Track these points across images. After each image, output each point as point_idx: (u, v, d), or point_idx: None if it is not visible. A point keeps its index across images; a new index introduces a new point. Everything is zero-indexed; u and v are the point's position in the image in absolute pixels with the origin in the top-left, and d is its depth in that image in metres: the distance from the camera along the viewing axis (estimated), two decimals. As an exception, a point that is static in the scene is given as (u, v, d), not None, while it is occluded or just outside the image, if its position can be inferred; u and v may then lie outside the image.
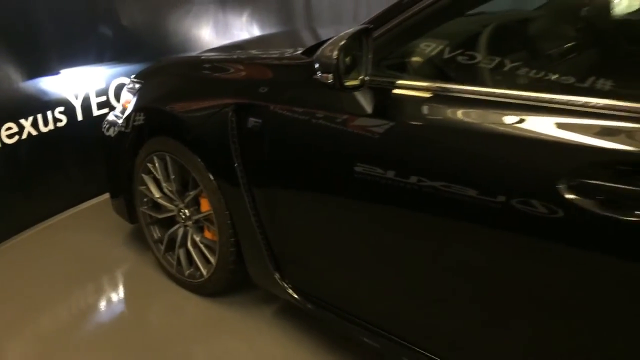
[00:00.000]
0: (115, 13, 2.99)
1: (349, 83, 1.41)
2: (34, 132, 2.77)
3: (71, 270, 2.49)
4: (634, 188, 1.05)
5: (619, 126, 1.11)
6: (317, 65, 1.38)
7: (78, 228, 2.86)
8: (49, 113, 2.82)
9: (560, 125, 1.16)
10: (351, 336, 1.75)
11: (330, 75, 1.35)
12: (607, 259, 1.10)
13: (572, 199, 1.11)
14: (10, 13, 2.53)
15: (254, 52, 2.23)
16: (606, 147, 1.10)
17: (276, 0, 3.83)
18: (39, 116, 2.78)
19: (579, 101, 1.16)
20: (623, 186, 1.07)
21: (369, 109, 1.46)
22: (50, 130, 2.84)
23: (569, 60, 1.47)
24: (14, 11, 2.54)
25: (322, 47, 1.39)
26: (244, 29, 3.67)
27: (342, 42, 1.33)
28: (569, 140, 1.14)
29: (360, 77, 1.42)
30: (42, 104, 2.78)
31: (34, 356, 1.99)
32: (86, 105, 2.98)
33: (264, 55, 2.01)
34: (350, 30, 1.39)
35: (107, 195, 2.69)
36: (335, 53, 1.32)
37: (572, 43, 1.55)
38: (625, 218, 1.05)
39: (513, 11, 1.96)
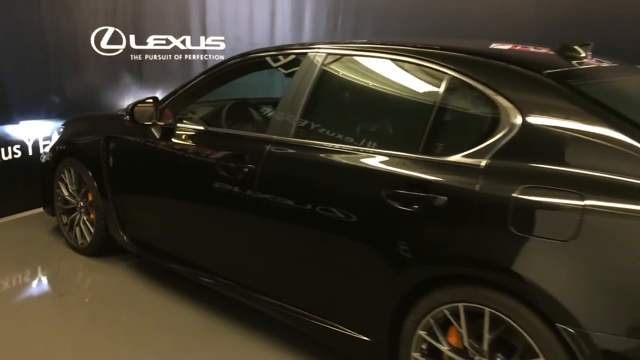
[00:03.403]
0: (62, 86, 4.58)
1: (145, 123, 2.95)
2: (-2, 160, 4.28)
3: (11, 249, 3.90)
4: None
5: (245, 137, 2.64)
6: (124, 113, 2.94)
7: (21, 225, 4.31)
8: (9, 148, 4.34)
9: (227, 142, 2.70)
10: (165, 267, 3.16)
11: (128, 117, 2.90)
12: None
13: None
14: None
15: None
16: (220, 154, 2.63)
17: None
18: (2, 150, 4.29)
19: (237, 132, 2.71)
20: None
21: (158, 136, 3.00)
22: (9, 159, 4.34)
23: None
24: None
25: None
26: (155, 102, 5.29)
27: (135, 103, 2.89)
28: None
29: (152, 120, 2.97)
30: (5, 142, 4.30)
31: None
32: (35, 145, 4.50)
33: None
34: (147, 98, 2.96)
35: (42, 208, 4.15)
36: (130, 106, 2.88)
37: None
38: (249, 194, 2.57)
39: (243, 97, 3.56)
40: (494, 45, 2.40)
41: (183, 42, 5.34)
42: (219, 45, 5.59)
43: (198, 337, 2.75)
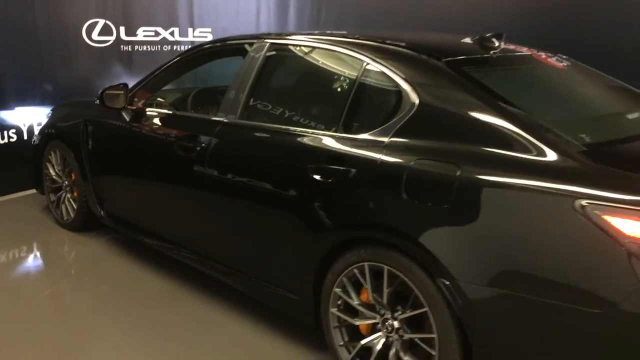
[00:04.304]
0: (55, 75, 4.90)
1: (115, 107, 3.25)
2: (-5, 143, 4.62)
3: (5, 224, 4.24)
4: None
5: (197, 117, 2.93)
6: (96, 98, 3.24)
7: (16, 203, 4.65)
8: (5, 132, 4.68)
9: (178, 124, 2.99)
10: (134, 238, 3.47)
11: (98, 101, 3.20)
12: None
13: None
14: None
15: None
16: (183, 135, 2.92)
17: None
18: (-1, 134, 4.64)
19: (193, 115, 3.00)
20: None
21: (128, 119, 3.29)
22: (5, 143, 4.69)
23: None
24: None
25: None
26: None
27: (105, 88, 3.19)
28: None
29: (122, 105, 3.26)
30: (1, 127, 4.64)
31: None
32: (30, 129, 4.83)
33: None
34: (117, 84, 3.26)
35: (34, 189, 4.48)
36: (100, 92, 3.17)
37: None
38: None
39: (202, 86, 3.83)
40: (466, 40, 2.65)
41: (172, 33, 5.63)
42: (206, 37, 5.87)
43: (161, 303, 3.05)
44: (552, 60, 2.71)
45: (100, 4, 5.13)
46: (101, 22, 5.14)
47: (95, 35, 5.13)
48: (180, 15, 5.66)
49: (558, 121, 2.01)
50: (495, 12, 5.60)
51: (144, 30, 5.44)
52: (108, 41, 5.23)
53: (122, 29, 5.29)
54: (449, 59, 2.22)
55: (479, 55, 2.38)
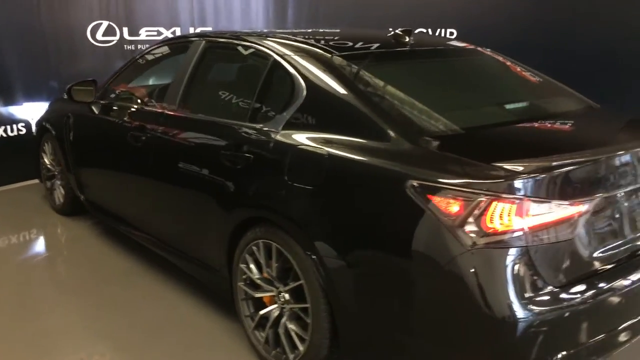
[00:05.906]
0: (61, 73, 5.32)
1: (84, 100, 3.58)
2: (4, 135, 5.07)
3: (8, 209, 4.69)
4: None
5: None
6: (64, 94, 3.57)
7: (22, 191, 5.10)
8: (14, 125, 5.13)
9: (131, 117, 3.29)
10: (106, 222, 3.81)
11: (66, 95, 3.53)
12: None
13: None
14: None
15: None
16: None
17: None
18: (9, 127, 5.09)
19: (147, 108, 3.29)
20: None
21: (97, 111, 3.62)
22: (15, 135, 5.14)
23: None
24: None
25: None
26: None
27: (73, 84, 3.52)
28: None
29: (91, 99, 3.59)
30: (11, 120, 5.10)
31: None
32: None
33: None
34: (87, 80, 3.58)
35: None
36: (68, 87, 3.50)
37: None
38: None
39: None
40: (383, 36, 2.82)
41: (173, 33, 5.96)
42: (207, 35, 6.16)
43: (122, 280, 3.37)
44: (471, 52, 2.85)
45: (104, 6, 5.51)
46: (105, 23, 5.52)
47: (99, 35, 5.52)
48: (181, 16, 5.98)
49: (428, 111, 2.17)
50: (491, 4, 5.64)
51: (146, 31, 5.79)
52: (112, 41, 5.61)
53: (125, 30, 5.66)
54: (342, 53, 2.41)
55: (376, 50, 2.55)
